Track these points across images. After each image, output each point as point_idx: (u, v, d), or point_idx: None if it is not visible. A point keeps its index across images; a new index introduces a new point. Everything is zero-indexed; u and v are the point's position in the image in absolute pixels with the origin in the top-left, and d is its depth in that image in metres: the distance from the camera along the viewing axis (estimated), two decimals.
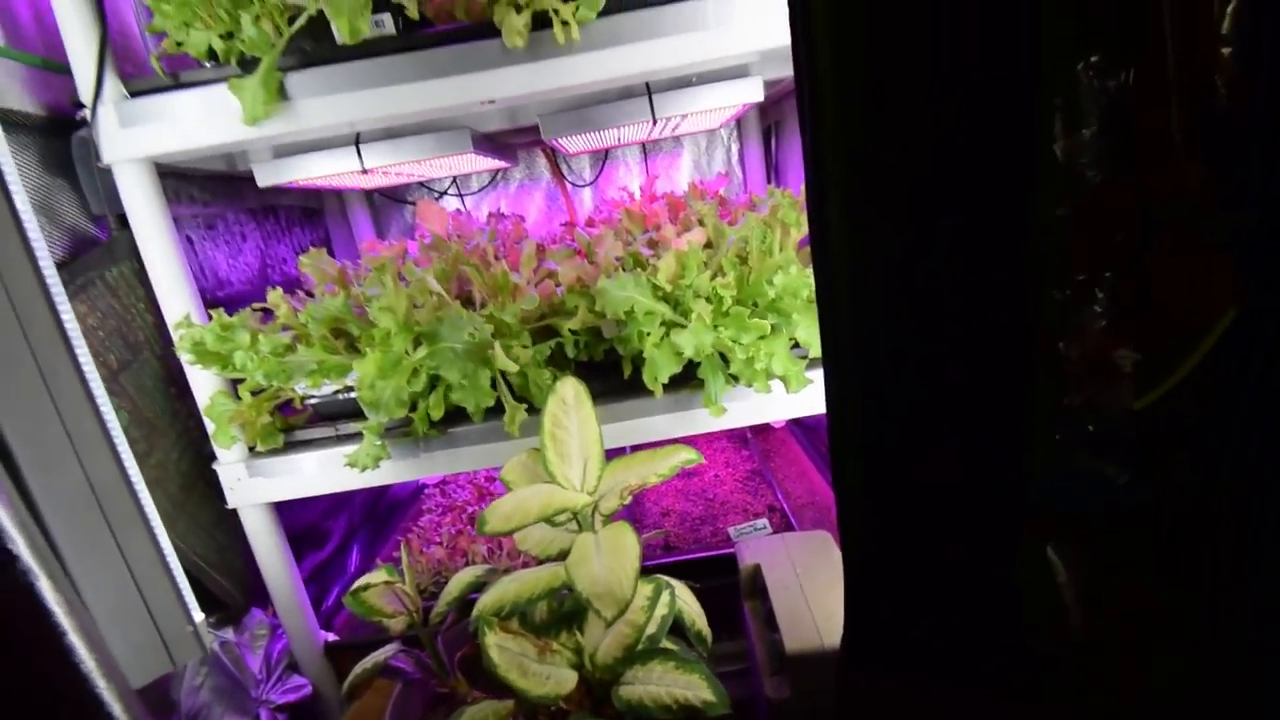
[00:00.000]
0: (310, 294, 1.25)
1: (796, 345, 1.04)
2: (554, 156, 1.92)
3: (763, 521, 1.28)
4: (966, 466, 0.57)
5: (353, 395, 1.10)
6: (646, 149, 1.95)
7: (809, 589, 0.94)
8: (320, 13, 0.92)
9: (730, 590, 1.14)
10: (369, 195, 1.93)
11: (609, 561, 0.84)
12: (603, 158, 1.94)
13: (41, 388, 0.75)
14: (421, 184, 1.92)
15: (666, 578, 0.93)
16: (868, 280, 0.55)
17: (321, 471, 1.10)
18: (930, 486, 0.60)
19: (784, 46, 0.96)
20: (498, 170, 1.94)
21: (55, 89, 1.05)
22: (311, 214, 1.75)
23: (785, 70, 1.23)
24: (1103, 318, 0.53)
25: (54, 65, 1.05)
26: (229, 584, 1.12)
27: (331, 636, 1.28)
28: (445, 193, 1.94)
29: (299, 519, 1.39)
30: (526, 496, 0.87)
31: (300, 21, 0.91)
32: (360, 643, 1.27)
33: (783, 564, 1.01)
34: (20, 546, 0.72)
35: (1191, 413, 0.52)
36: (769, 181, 1.92)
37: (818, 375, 1.02)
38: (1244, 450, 0.49)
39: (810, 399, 1.05)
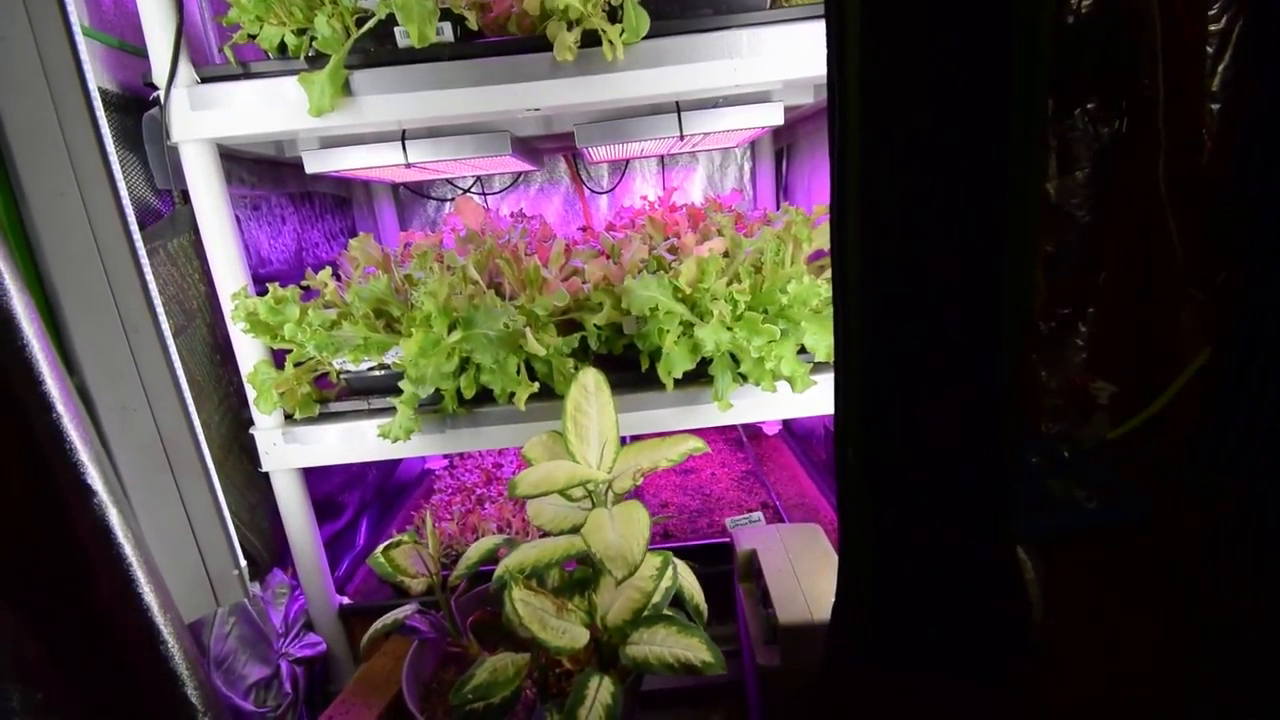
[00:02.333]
0: (338, 276, 1.33)
1: (803, 350, 1.13)
2: (575, 163, 2.02)
3: (757, 514, 1.36)
4: (958, 463, 0.63)
5: (385, 371, 1.18)
6: (664, 162, 2.05)
7: (800, 571, 1.03)
8: (386, 16, 1.01)
9: (723, 577, 1.23)
10: (395, 189, 2.01)
11: (622, 530, 0.93)
12: (622, 167, 2.04)
13: (123, 341, 0.83)
14: (448, 181, 2.01)
15: (670, 553, 1.01)
16: (876, 285, 0.62)
17: (351, 442, 1.17)
18: (924, 480, 0.66)
19: (806, 76, 1.06)
20: (520, 172, 2.03)
21: (129, 69, 1.12)
22: (342, 203, 1.83)
23: (803, 98, 1.33)
24: (1083, 350, 0.60)
25: (130, 47, 1.13)
26: (257, 542, 1.19)
27: (345, 600, 1.35)
28: (469, 190, 2.02)
29: (318, 489, 1.45)
30: (553, 468, 0.95)
31: (369, 24, 1.00)
32: (371, 607, 1.34)
33: (776, 550, 1.10)
34: (97, 482, 0.80)
35: (1162, 444, 0.58)
36: (778, 200, 2.03)
37: (821, 378, 1.11)
38: (1213, 482, 0.56)
39: (811, 400, 1.14)
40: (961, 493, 0.63)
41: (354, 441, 1.18)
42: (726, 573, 1.23)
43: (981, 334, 0.60)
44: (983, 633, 0.65)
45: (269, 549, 1.23)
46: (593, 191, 2.07)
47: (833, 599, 0.78)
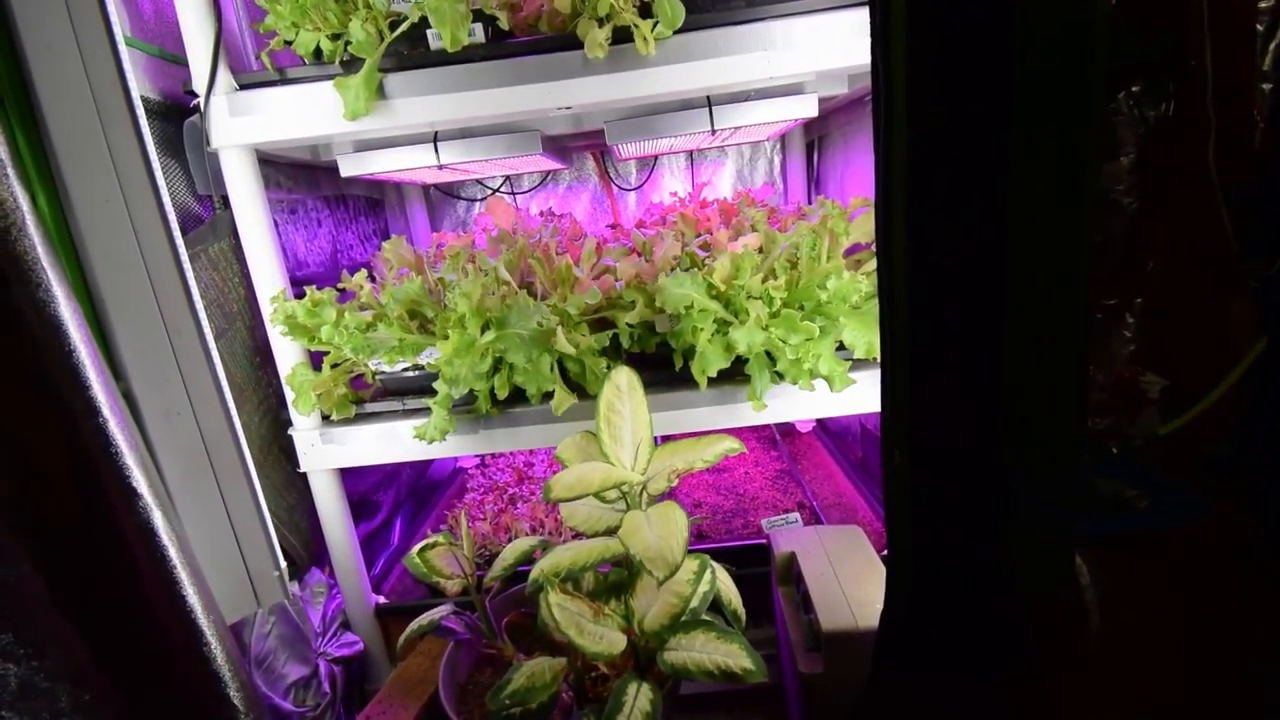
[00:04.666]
0: (372, 278, 1.34)
1: (841, 347, 1.10)
2: (603, 160, 2.00)
3: (794, 515, 1.33)
4: (1000, 470, 0.60)
5: (419, 372, 1.18)
6: (693, 157, 2.03)
7: (843, 575, 1.00)
8: (420, 19, 1.01)
9: (759, 580, 1.21)
10: (426, 190, 2.02)
11: (660, 531, 0.91)
12: (650, 164, 2.02)
13: (167, 346, 0.84)
14: (478, 181, 2.01)
15: (708, 556, 0.99)
16: (921, 277, 0.60)
17: (387, 442, 1.18)
18: (967, 485, 0.63)
19: (841, 67, 1.03)
20: (549, 171, 2.03)
21: (170, 77, 1.15)
22: (374, 204, 1.85)
23: (838, 89, 1.29)
24: (1132, 343, 0.57)
25: (170, 56, 1.15)
26: (295, 541, 1.21)
27: (381, 599, 1.36)
28: (498, 190, 2.03)
29: (354, 489, 1.47)
30: (587, 470, 0.94)
31: (403, 27, 1.00)
32: (407, 607, 1.35)
33: (816, 553, 1.07)
34: (143, 485, 0.81)
35: (1216, 441, 0.55)
36: (810, 193, 1.99)
37: (860, 376, 1.08)
38: (1269, 480, 0.52)
39: (850, 399, 1.11)
40: (1018, 502, 0.60)
41: (389, 442, 1.18)
42: (763, 575, 1.21)
43: (1037, 331, 0.57)
44: (1026, 640, 0.63)
45: (307, 548, 1.25)
46: (621, 188, 2.06)
47: (879, 606, 0.75)
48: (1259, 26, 0.48)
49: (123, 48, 0.83)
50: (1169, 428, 0.56)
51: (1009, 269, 0.56)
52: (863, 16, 0.84)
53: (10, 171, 0.74)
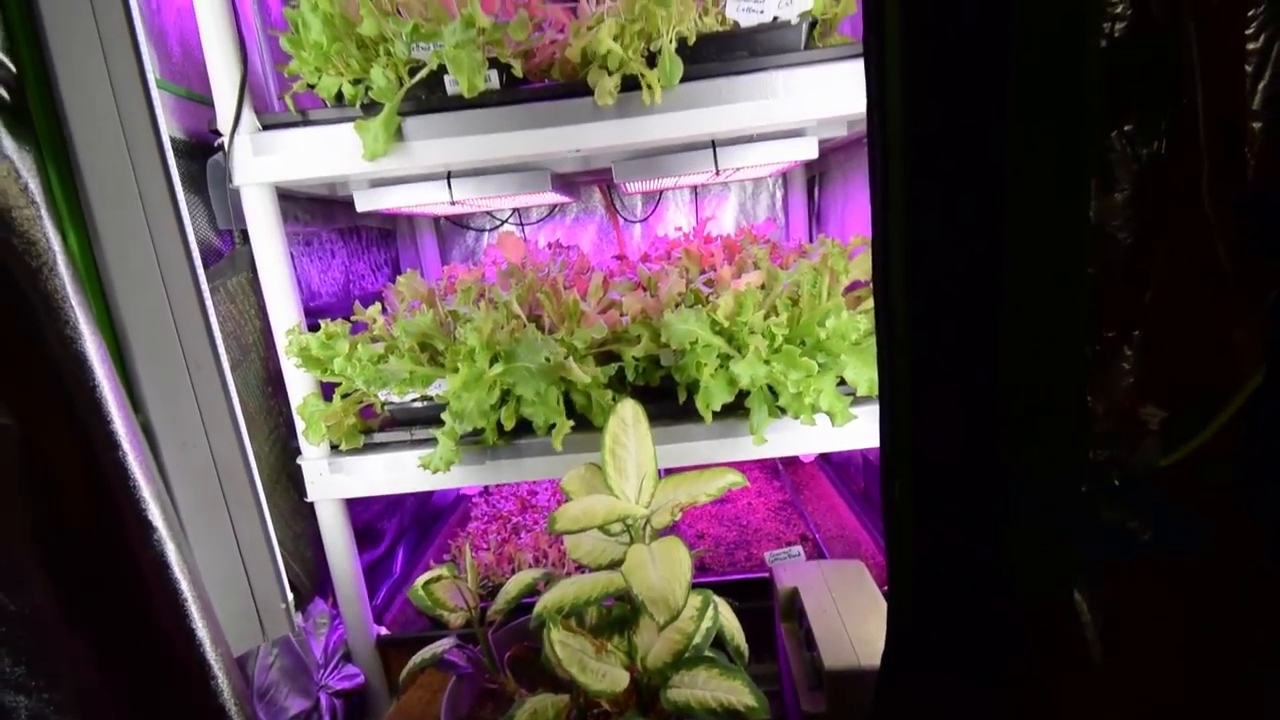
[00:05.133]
0: (385, 309, 1.37)
1: (842, 382, 1.12)
2: (609, 193, 2.05)
3: (797, 548, 1.34)
4: (998, 488, 0.62)
5: (428, 402, 1.20)
6: (697, 191, 2.08)
7: (845, 612, 1.00)
8: (438, 67, 1.05)
9: (762, 613, 1.21)
10: (436, 221, 2.07)
11: (663, 570, 0.92)
12: (656, 197, 2.07)
13: (186, 379, 0.86)
14: (487, 212, 2.06)
15: (710, 592, 1.00)
16: (921, 320, 0.62)
17: (394, 472, 1.20)
18: (965, 500, 0.64)
19: (841, 115, 1.07)
20: (557, 203, 2.08)
21: (195, 117, 1.19)
22: (386, 234, 1.89)
23: (838, 131, 1.34)
24: (1131, 374, 0.58)
25: (196, 96, 1.20)
26: (300, 571, 1.22)
27: (382, 630, 1.36)
28: (506, 221, 2.08)
29: (358, 517, 1.48)
30: (592, 503, 0.95)
31: (422, 74, 1.05)
32: (408, 638, 1.35)
33: (819, 588, 1.07)
34: (158, 518, 0.83)
35: (1218, 472, 0.56)
36: (811, 227, 2.03)
37: (861, 411, 1.10)
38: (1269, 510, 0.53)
39: (852, 434, 1.13)
40: (1015, 521, 0.61)
41: (396, 472, 1.20)
42: (765, 609, 1.21)
43: (1038, 367, 0.58)
44: (1026, 642, 0.63)
45: (311, 578, 1.25)
46: (627, 220, 2.10)
47: (881, 644, 0.76)
48: (1248, 67, 0.50)
49: (155, 92, 0.87)
50: (1170, 459, 0.56)
51: (1006, 276, 0.58)
52: (860, 67, 0.88)
53: (44, 214, 0.78)
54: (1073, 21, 0.51)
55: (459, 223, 2.09)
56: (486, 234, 2.11)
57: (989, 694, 0.66)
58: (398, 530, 1.64)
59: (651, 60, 1.05)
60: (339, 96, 1.11)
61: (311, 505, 1.24)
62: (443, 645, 1.10)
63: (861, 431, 1.13)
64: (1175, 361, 0.55)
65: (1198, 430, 0.55)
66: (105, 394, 0.77)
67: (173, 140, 1.15)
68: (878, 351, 0.67)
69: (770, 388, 1.12)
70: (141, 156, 0.83)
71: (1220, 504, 0.56)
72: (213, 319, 0.86)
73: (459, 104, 1.06)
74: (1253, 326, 0.52)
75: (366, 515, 1.51)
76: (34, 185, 0.77)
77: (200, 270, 0.85)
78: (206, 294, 0.85)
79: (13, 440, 0.78)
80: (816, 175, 2.00)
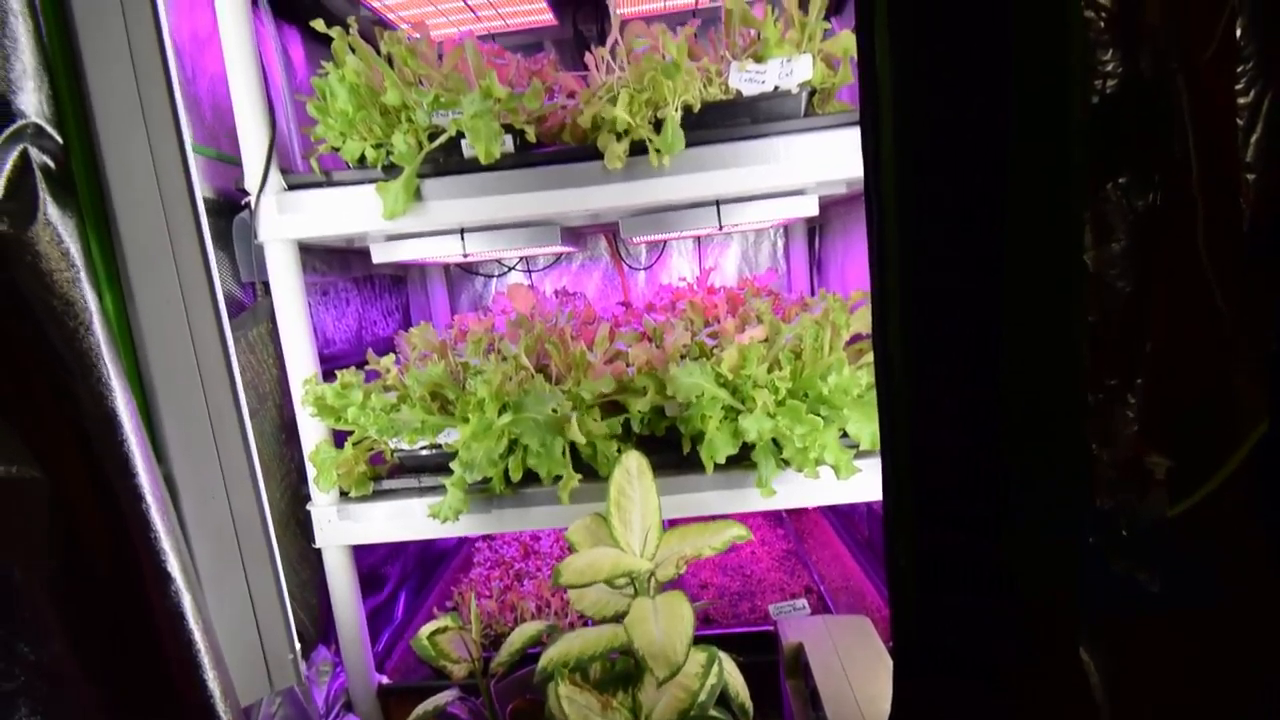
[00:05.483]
0: (397, 358, 1.40)
1: (845, 434, 1.14)
2: (615, 241, 2.11)
3: (801, 602, 1.33)
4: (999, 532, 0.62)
5: (435, 450, 1.23)
6: (700, 240, 2.14)
7: (851, 671, 1.00)
8: (457, 132, 1.11)
9: (766, 668, 1.20)
10: (446, 267, 2.13)
11: (665, 626, 0.93)
12: (660, 246, 2.13)
13: (208, 431, 0.89)
14: (496, 260, 2.12)
15: (716, 649, 1.00)
16: (919, 382, 0.64)
17: (401, 519, 1.21)
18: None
19: (840, 178, 1.12)
20: (564, 251, 2.14)
21: (223, 176, 1.25)
22: (398, 281, 1.94)
23: (837, 190, 1.39)
24: (1135, 423, 0.59)
25: (225, 157, 1.27)
26: (305, 618, 1.22)
27: (384, 679, 1.35)
28: (514, 268, 2.13)
29: (362, 562, 1.49)
30: (597, 557, 0.97)
31: (440, 140, 1.11)
32: (410, 688, 1.34)
33: (825, 645, 1.07)
34: (176, 569, 0.85)
35: (1227, 522, 0.56)
36: (812, 275, 2.08)
37: (865, 464, 1.11)
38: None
39: (856, 487, 1.14)
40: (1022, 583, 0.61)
41: (404, 519, 1.21)
42: (770, 664, 1.20)
43: (1040, 419, 0.59)
44: (1027, 641, 0.62)
45: (315, 625, 1.25)
46: (631, 268, 2.15)
47: (887, 705, 0.76)
48: (1239, 121, 0.51)
49: (192, 159, 0.93)
50: (1178, 509, 0.56)
51: (1005, 330, 0.59)
52: (858, 133, 0.93)
53: (83, 275, 0.82)
54: (1062, 80, 0.54)
55: (468, 269, 2.14)
56: (494, 280, 2.17)
57: (988, 692, 0.65)
58: (400, 575, 1.64)
59: (659, 126, 1.10)
60: (361, 159, 1.17)
61: (318, 551, 1.25)
62: (445, 698, 1.09)
63: (866, 484, 1.14)
64: (1179, 410, 0.56)
65: (1205, 479, 0.55)
66: (133, 449, 0.80)
67: (205, 199, 1.21)
68: (878, 408, 0.68)
69: (774, 440, 1.14)
70: (177, 220, 0.87)
71: (1232, 554, 0.55)
72: (237, 375, 0.89)
73: (475, 167, 1.12)
74: (1256, 374, 0.53)
75: (371, 560, 1.52)
76: (74, 249, 0.82)
77: (228, 329, 0.89)
78: (233, 352, 0.89)
79: (41, 493, 0.80)
80: (817, 225, 2.06)
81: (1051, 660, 0.61)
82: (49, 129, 0.85)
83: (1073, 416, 0.58)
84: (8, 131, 0.81)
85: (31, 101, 0.83)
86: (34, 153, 0.83)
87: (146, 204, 0.89)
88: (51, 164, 0.85)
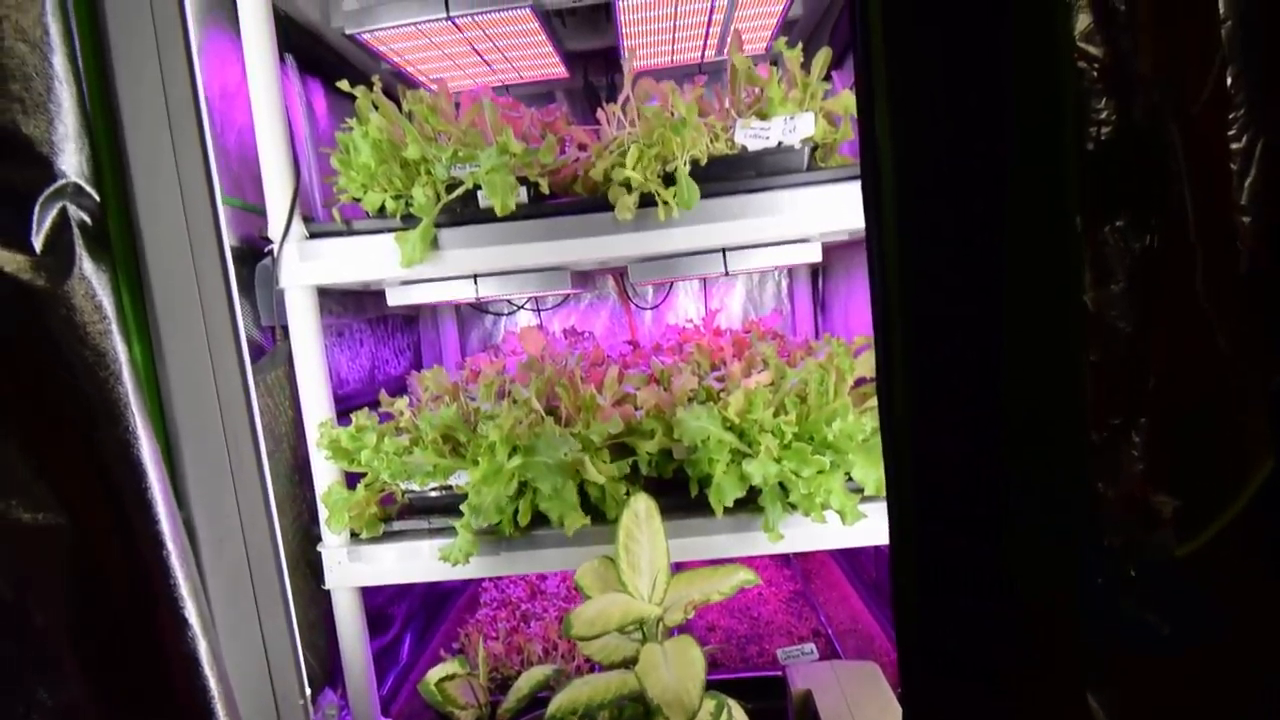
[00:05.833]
0: (410, 401, 1.43)
1: (850, 478, 1.15)
2: (622, 282, 2.15)
3: (810, 646, 1.32)
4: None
5: (445, 492, 1.24)
6: (706, 281, 2.18)
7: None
8: (474, 186, 1.16)
9: (775, 715, 1.18)
10: (457, 307, 2.17)
11: (677, 671, 0.93)
12: (667, 286, 2.17)
13: (228, 477, 0.91)
14: (505, 299, 2.16)
15: (724, 696, 1.00)
16: (922, 429, 0.65)
17: (411, 561, 1.22)
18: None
19: (842, 228, 1.16)
20: (572, 291, 2.18)
21: (247, 225, 1.30)
22: (410, 320, 1.99)
23: (839, 237, 1.43)
24: (1140, 461, 0.58)
25: (249, 207, 1.32)
26: (313, 660, 1.22)
27: None
28: (523, 307, 2.17)
29: (370, 602, 1.49)
30: (607, 605, 0.97)
31: (458, 192, 1.15)
32: None
33: (834, 693, 1.06)
34: (193, 615, 0.86)
35: (1235, 561, 0.56)
36: (816, 315, 2.11)
37: (870, 509, 1.12)
38: None
39: (862, 530, 1.15)
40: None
41: (413, 560, 1.22)
42: (778, 710, 1.19)
43: (1044, 459, 0.59)
44: (1028, 643, 0.61)
45: (323, 666, 1.25)
46: (639, 307, 2.19)
47: None
48: (1233, 166, 0.52)
49: (222, 215, 0.97)
50: (1185, 549, 0.56)
51: (1006, 372, 0.60)
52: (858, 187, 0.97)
53: (114, 327, 0.86)
54: (1058, 126, 0.55)
55: (478, 308, 2.19)
56: (504, 318, 2.21)
57: (989, 694, 0.65)
58: (406, 615, 1.64)
59: (667, 179, 1.15)
60: (381, 209, 1.21)
61: (326, 592, 1.25)
62: None
63: (873, 529, 1.15)
64: (1184, 449, 0.56)
65: (1211, 519, 0.55)
66: (156, 495, 0.82)
67: (231, 248, 1.25)
68: (883, 451, 0.69)
69: (781, 484, 1.15)
70: (206, 273, 0.91)
71: (1241, 593, 0.55)
72: (258, 422, 0.92)
73: (490, 217, 1.16)
74: (1258, 413, 0.53)
75: (378, 600, 1.51)
76: (107, 302, 0.86)
77: (250, 379, 0.92)
78: (255, 399, 0.92)
79: (65, 540, 0.82)
80: (820, 267, 2.10)
81: (1051, 663, 0.60)
82: (87, 187, 0.89)
83: (1071, 424, 0.58)
84: (48, 191, 0.85)
85: (72, 162, 0.87)
86: (72, 210, 0.88)
87: (177, 257, 0.92)
88: (88, 220, 0.89)
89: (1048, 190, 0.56)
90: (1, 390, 0.83)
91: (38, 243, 0.85)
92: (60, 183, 0.86)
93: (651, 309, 2.19)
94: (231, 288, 0.93)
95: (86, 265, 0.87)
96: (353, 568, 1.22)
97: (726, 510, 1.17)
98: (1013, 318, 0.60)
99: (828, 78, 1.21)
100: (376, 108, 1.18)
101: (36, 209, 0.84)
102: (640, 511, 1.09)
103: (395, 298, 1.42)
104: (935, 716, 0.70)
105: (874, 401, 1.22)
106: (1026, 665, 0.63)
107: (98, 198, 0.90)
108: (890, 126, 0.64)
